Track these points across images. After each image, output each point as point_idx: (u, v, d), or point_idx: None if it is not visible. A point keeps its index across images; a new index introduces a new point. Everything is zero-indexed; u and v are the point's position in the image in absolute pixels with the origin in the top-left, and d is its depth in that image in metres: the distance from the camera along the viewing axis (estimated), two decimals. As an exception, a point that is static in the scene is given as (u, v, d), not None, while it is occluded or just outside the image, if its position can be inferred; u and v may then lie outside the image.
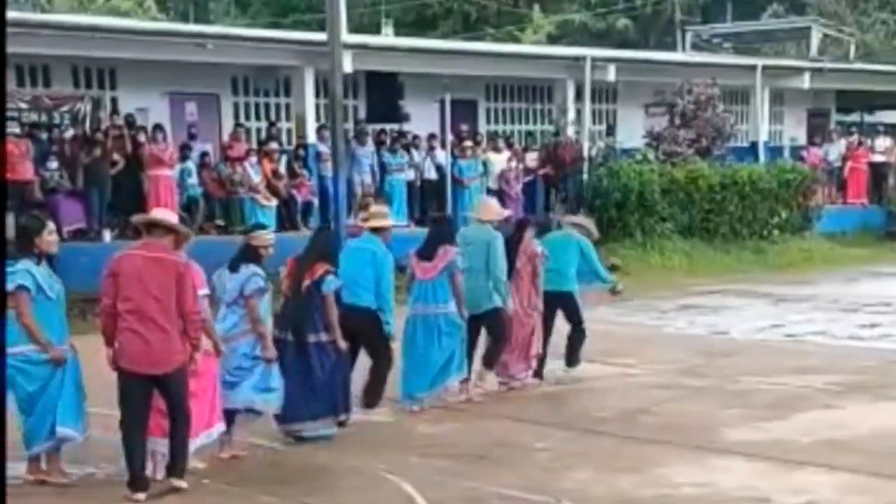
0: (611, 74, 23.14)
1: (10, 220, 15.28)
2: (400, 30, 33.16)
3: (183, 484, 7.53)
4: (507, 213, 11.21)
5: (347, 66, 18.29)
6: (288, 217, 18.78)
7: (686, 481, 7.76)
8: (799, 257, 22.56)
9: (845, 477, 7.82)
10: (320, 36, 18.10)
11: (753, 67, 25.94)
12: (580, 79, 22.84)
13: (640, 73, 24.17)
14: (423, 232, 11.16)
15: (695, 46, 30.69)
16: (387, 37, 27.39)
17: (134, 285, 7.34)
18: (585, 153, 22.41)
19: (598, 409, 10.07)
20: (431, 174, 20.65)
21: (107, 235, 17.10)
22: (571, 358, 11.31)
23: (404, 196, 20.14)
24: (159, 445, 7.68)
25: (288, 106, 20.89)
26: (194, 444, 7.80)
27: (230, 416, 8.29)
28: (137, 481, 7.39)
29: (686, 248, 21.32)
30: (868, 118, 31.21)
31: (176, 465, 7.55)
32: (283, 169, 19.16)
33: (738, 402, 10.22)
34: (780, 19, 36.25)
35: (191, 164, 18.34)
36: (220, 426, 8.08)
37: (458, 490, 7.62)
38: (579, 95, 23.02)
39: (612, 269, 12.24)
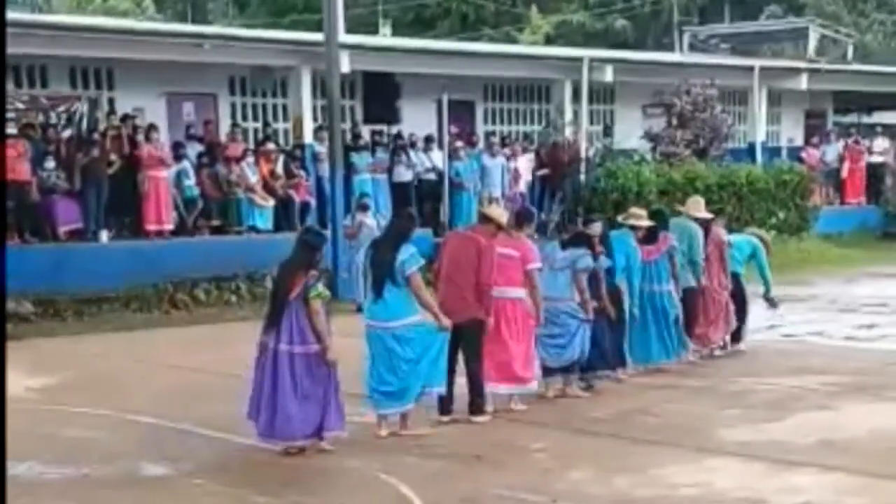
0: (608, 75, 23.15)
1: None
2: (398, 30, 33.25)
3: (479, 419, 9.23)
4: (709, 215, 12.53)
5: (345, 66, 18.28)
6: (285, 217, 18.74)
7: (683, 482, 7.75)
8: (796, 258, 22.48)
9: (842, 477, 7.81)
10: (317, 36, 18.08)
11: (751, 68, 25.95)
12: (578, 79, 22.84)
13: (637, 74, 24.16)
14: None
15: (692, 47, 30.72)
16: (384, 37, 27.43)
17: (448, 255, 9.36)
18: (583, 154, 22.41)
19: (595, 409, 10.06)
20: (429, 175, 20.60)
21: (104, 236, 17.00)
22: (736, 335, 12.87)
23: (383, 195, 19.95)
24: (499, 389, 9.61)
25: (285, 106, 20.86)
26: (508, 389, 9.64)
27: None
28: (443, 407, 9.23)
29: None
30: (866, 119, 31.22)
31: (473, 402, 9.29)
32: (280, 169, 19.13)
33: (736, 403, 10.22)
34: (778, 20, 36.32)
35: (187, 165, 18.28)
36: (532, 385, 9.80)
37: (455, 491, 7.60)
38: (577, 96, 23.03)
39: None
